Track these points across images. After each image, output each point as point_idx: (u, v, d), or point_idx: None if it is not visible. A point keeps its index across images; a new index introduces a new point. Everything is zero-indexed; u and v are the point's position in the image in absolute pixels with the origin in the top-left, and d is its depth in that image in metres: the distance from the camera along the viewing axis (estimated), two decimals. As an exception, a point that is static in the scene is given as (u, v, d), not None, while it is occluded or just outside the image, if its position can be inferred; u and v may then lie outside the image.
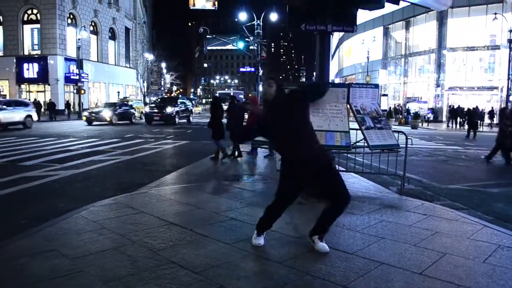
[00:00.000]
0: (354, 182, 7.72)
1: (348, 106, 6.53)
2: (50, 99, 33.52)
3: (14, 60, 37.26)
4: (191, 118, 29.39)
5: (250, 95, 13.23)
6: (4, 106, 21.01)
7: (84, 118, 26.61)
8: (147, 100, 55.39)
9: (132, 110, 29.08)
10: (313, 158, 3.83)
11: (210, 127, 10.57)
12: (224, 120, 10.98)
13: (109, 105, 29.02)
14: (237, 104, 11.44)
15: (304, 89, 4.22)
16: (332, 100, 6.42)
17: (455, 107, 33.23)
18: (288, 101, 3.95)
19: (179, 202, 5.89)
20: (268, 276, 3.49)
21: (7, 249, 3.99)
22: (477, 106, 30.19)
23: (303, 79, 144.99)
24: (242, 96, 69.74)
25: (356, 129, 6.54)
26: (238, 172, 8.88)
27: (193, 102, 48.90)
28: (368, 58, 42.54)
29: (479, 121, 25.73)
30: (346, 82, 39.73)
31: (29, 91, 38.56)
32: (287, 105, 3.90)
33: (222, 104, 11.70)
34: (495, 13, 30.30)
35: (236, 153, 10.77)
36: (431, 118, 34.98)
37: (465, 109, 28.80)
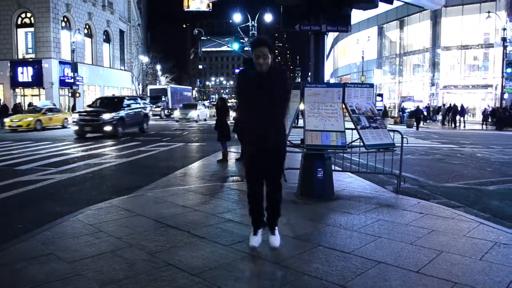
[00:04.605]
0: (350, 181, 7.74)
1: (344, 106, 6.54)
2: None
3: (8, 64, 37.05)
4: (145, 126, 21.92)
5: None
6: None
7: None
8: None
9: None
10: (267, 141, 3.86)
11: (216, 129, 10.58)
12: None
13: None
14: None
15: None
16: (328, 100, 6.43)
17: (446, 105, 33.57)
18: (276, 78, 3.87)
19: (176, 204, 5.87)
20: (266, 277, 3.49)
21: (4, 254, 3.96)
22: (462, 105, 30.80)
23: (298, 80, 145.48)
24: (189, 93, 58.96)
25: (352, 129, 6.55)
26: (234, 174, 8.87)
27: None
28: (363, 57, 42.70)
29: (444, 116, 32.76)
30: (341, 82, 39.83)
31: (24, 95, 38.36)
32: (273, 81, 3.84)
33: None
34: (489, 12, 30.52)
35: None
36: (437, 118, 35.53)
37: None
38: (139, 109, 21.41)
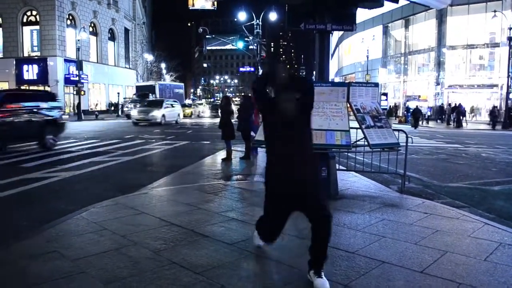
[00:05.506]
0: (354, 181, 7.72)
1: (348, 105, 6.53)
2: None
3: (14, 62, 37.27)
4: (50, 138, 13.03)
5: (250, 95, 12.87)
6: None
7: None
8: None
9: None
10: (299, 176, 3.29)
11: (220, 128, 10.55)
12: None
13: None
14: (246, 102, 11.12)
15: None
16: (332, 99, 6.41)
17: (452, 105, 33.45)
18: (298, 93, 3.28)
19: (180, 203, 5.88)
20: (269, 276, 3.49)
21: (9, 251, 3.99)
22: (460, 104, 30.80)
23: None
24: (181, 91, 53.04)
25: (357, 128, 6.53)
26: (238, 172, 8.87)
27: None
28: (367, 56, 42.53)
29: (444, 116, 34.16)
30: (346, 81, 39.76)
31: (29, 93, 38.57)
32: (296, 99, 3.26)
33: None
34: (495, 11, 30.29)
35: (244, 154, 10.62)
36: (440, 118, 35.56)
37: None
38: (39, 114, 12.87)
